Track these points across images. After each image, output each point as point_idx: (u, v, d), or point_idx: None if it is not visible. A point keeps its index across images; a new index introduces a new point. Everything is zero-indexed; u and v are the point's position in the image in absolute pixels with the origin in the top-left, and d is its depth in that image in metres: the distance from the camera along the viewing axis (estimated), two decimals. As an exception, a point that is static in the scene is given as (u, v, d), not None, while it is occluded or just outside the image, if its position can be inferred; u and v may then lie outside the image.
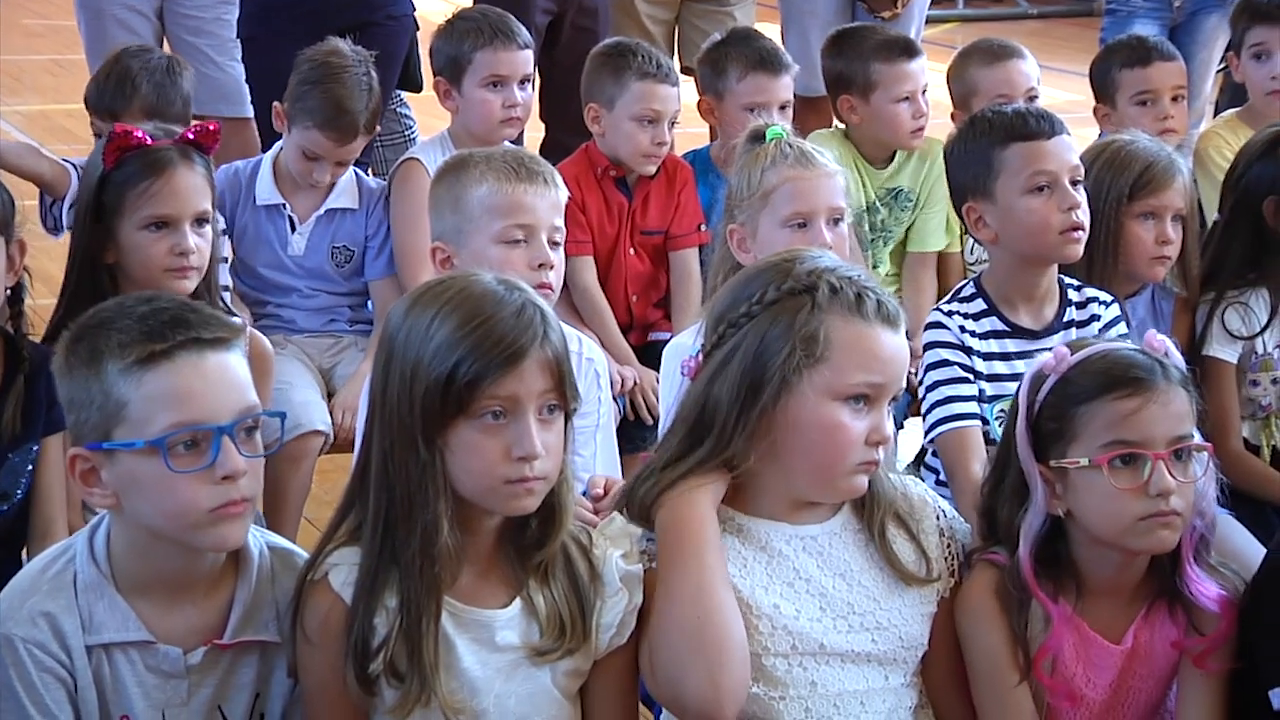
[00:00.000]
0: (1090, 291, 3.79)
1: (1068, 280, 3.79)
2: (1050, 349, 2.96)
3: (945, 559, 2.88)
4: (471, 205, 3.50)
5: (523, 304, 2.59)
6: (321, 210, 4.65)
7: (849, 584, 2.81)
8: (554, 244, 3.53)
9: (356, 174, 4.72)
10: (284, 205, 4.65)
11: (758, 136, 3.74)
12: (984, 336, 3.71)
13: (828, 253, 2.87)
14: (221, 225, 4.15)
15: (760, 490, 2.80)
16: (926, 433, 3.67)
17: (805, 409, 2.71)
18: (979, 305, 3.73)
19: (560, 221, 3.56)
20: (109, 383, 2.54)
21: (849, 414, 2.71)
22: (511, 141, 4.86)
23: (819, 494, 2.80)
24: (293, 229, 4.65)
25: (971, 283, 3.81)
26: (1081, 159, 3.75)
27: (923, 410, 3.67)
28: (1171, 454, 2.81)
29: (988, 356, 3.70)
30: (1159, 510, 2.79)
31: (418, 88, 6.00)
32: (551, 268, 3.50)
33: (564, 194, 3.60)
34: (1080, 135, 3.89)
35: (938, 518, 2.90)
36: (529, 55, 4.79)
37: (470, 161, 3.55)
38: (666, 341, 4.37)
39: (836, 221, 3.67)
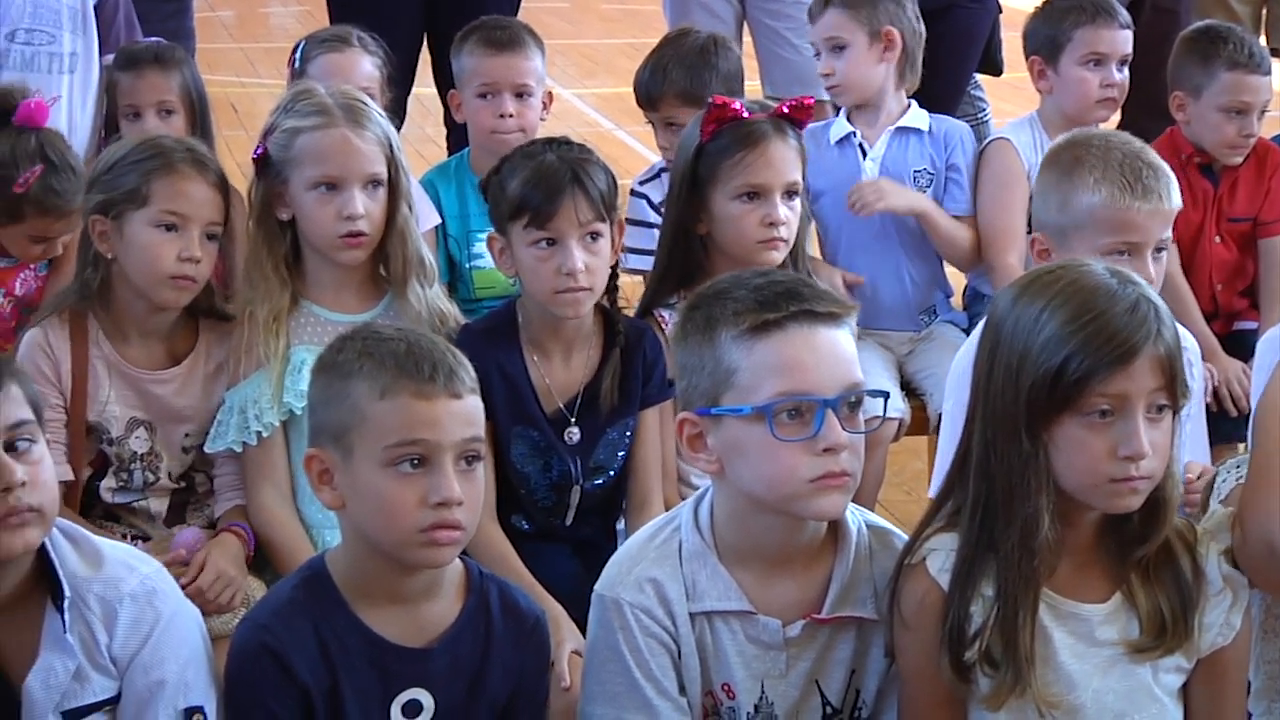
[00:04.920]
0: None
1: None
2: None
3: None
4: (1079, 212, 3.44)
5: (1136, 300, 2.54)
6: (892, 128, 4.66)
7: None
8: (1157, 254, 3.44)
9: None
10: (853, 133, 4.67)
11: None
12: None
13: None
14: None
15: None
16: None
17: None
18: None
19: (1167, 234, 3.48)
20: (721, 350, 2.61)
21: None
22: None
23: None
24: (864, 155, 4.67)
25: None
26: None
27: None
28: None
29: None
30: None
31: (998, 71, 5.96)
32: (1150, 283, 3.42)
33: (1176, 205, 3.49)
34: None
35: None
36: (1129, 35, 4.71)
37: (1085, 164, 3.47)
38: (1251, 331, 4.23)
39: None
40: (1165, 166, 3.53)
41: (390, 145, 3.55)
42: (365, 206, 3.48)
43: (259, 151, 3.56)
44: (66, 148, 4.15)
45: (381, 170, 3.52)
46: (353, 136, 3.49)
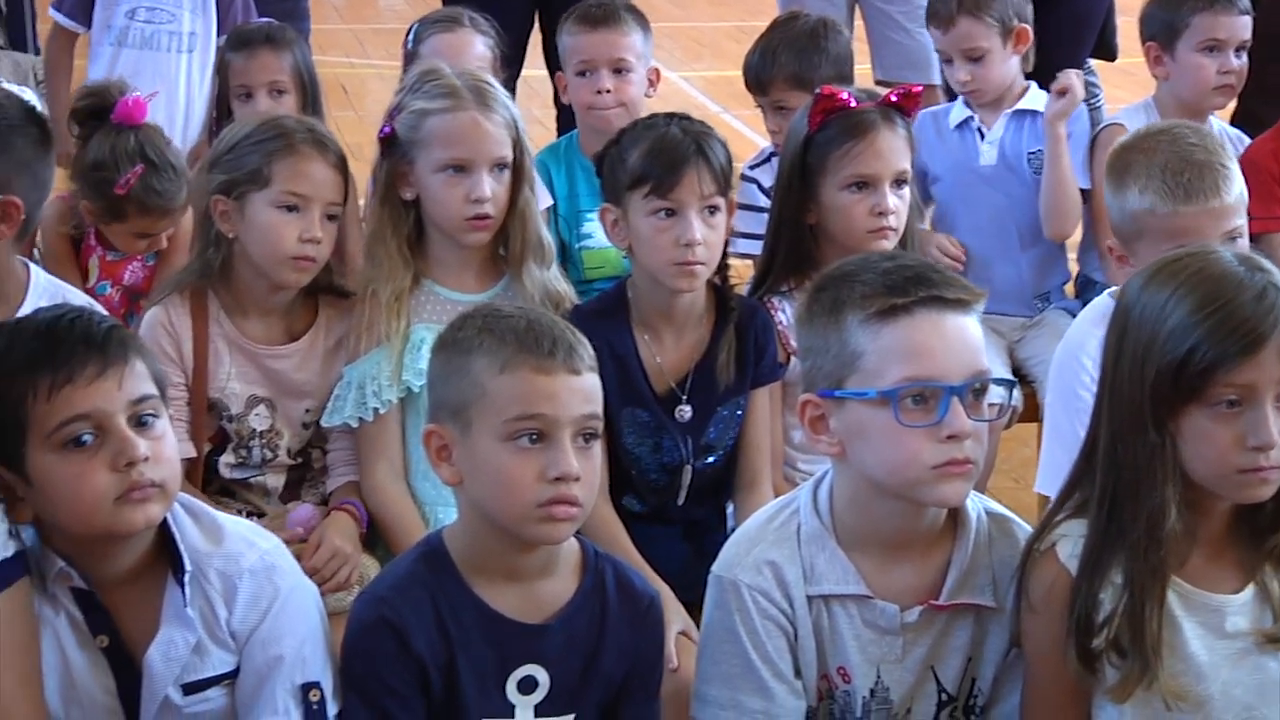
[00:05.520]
0: None
1: None
2: None
3: None
4: (1134, 220, 3.41)
5: (1264, 287, 2.48)
6: (1010, 111, 4.66)
7: None
8: (1228, 244, 3.33)
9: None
10: (972, 117, 4.68)
11: None
12: None
13: None
14: None
15: None
16: None
17: None
18: None
19: (1235, 223, 3.39)
20: (847, 332, 2.60)
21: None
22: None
23: None
24: (981, 138, 4.67)
25: None
26: None
27: None
28: None
29: None
30: None
31: (1112, 56, 5.92)
32: None
33: (1231, 199, 3.41)
34: None
35: None
36: (1247, 21, 4.66)
37: (1132, 170, 3.42)
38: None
39: None
40: (1217, 160, 3.43)
41: (516, 127, 3.55)
42: (492, 189, 3.49)
43: (386, 131, 3.56)
44: (166, 145, 4.17)
45: (508, 153, 3.52)
46: (482, 119, 3.49)
